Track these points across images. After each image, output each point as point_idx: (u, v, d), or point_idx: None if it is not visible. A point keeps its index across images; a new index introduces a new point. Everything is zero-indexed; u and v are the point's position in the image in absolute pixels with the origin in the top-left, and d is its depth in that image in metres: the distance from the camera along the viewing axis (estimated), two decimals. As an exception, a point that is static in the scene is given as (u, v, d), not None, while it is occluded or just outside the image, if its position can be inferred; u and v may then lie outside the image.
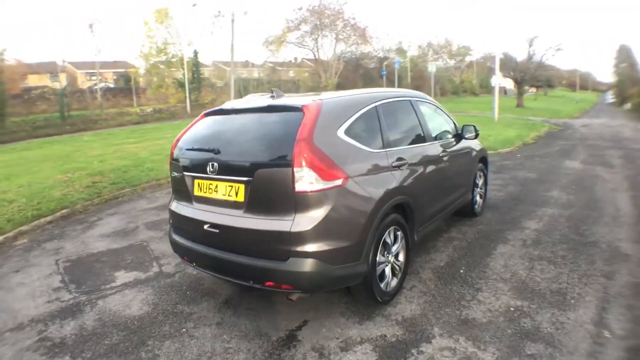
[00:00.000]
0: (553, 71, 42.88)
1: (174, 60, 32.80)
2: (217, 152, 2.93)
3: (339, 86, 40.07)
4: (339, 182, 2.69)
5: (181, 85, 31.10)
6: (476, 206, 5.21)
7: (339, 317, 3.03)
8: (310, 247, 2.60)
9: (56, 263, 4.33)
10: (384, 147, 3.21)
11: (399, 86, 32.94)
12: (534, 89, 44.51)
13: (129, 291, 3.62)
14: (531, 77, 32.23)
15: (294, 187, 2.56)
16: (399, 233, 3.27)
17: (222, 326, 2.99)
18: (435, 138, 4.14)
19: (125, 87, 36.66)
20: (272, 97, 3.26)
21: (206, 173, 2.94)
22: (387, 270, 3.18)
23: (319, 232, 2.61)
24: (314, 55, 38.69)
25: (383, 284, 3.12)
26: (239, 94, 38.99)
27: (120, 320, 3.13)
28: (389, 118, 3.45)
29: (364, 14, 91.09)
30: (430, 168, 3.80)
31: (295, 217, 2.59)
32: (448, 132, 4.55)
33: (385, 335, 2.79)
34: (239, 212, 2.79)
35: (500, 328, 2.79)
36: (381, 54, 41.16)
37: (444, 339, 2.72)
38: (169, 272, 3.97)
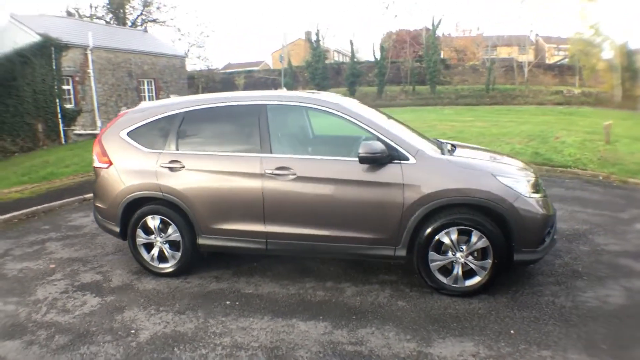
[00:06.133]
0: None
1: (605, 42, 27.85)
2: None
3: None
4: (105, 165, 4.15)
5: (614, 70, 26.23)
6: (443, 278, 3.52)
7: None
8: (94, 200, 4.41)
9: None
10: (162, 149, 3.97)
11: None
12: None
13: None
14: None
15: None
16: (170, 223, 3.96)
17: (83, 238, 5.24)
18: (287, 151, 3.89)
19: (571, 65, 34.53)
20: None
21: None
22: (156, 251, 4.07)
23: (95, 193, 4.37)
24: None
25: (148, 256, 4.09)
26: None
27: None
28: (195, 125, 3.99)
29: None
30: (243, 182, 3.74)
31: None
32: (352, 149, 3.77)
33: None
34: None
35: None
36: None
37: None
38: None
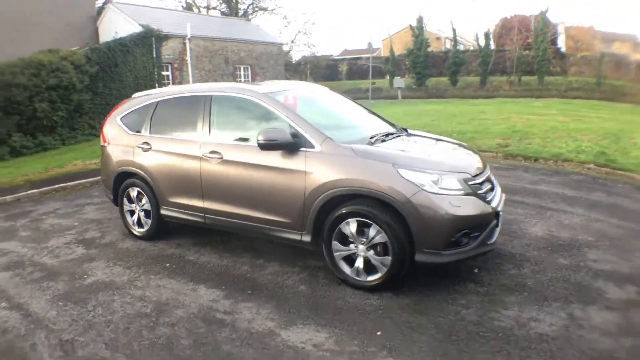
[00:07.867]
0: None
1: None
2: None
3: None
4: (106, 144, 5.23)
5: None
6: (348, 269, 3.66)
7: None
8: (101, 173, 5.53)
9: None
10: (139, 132, 4.87)
11: None
12: None
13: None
14: None
15: None
16: (143, 195, 4.86)
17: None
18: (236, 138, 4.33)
19: None
20: None
21: None
22: (136, 217, 5.03)
23: (100, 167, 5.48)
24: None
25: (131, 220, 5.08)
26: None
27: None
28: (164, 112, 4.78)
29: None
30: (187, 163, 4.41)
31: None
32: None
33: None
34: None
35: None
36: None
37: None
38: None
